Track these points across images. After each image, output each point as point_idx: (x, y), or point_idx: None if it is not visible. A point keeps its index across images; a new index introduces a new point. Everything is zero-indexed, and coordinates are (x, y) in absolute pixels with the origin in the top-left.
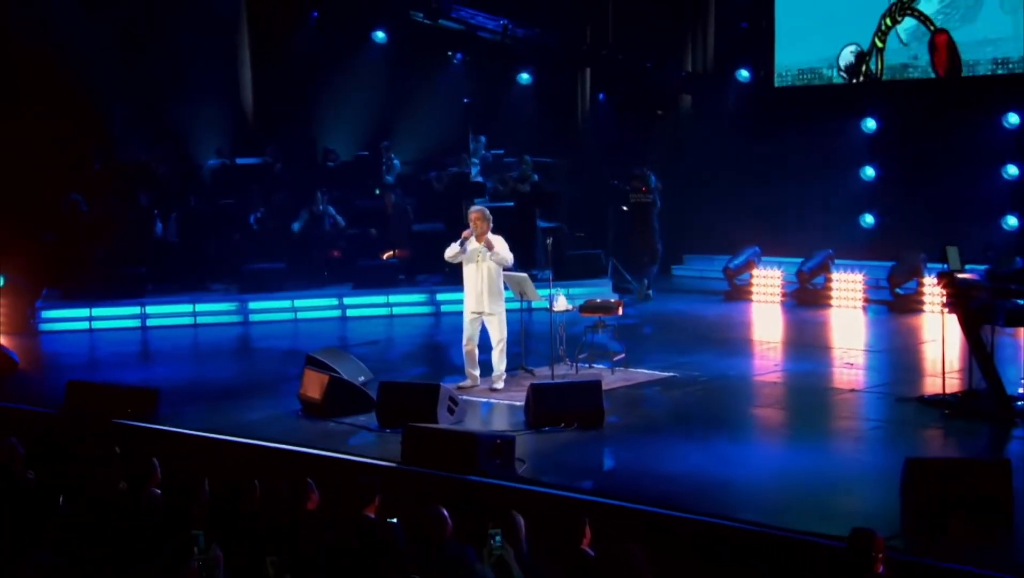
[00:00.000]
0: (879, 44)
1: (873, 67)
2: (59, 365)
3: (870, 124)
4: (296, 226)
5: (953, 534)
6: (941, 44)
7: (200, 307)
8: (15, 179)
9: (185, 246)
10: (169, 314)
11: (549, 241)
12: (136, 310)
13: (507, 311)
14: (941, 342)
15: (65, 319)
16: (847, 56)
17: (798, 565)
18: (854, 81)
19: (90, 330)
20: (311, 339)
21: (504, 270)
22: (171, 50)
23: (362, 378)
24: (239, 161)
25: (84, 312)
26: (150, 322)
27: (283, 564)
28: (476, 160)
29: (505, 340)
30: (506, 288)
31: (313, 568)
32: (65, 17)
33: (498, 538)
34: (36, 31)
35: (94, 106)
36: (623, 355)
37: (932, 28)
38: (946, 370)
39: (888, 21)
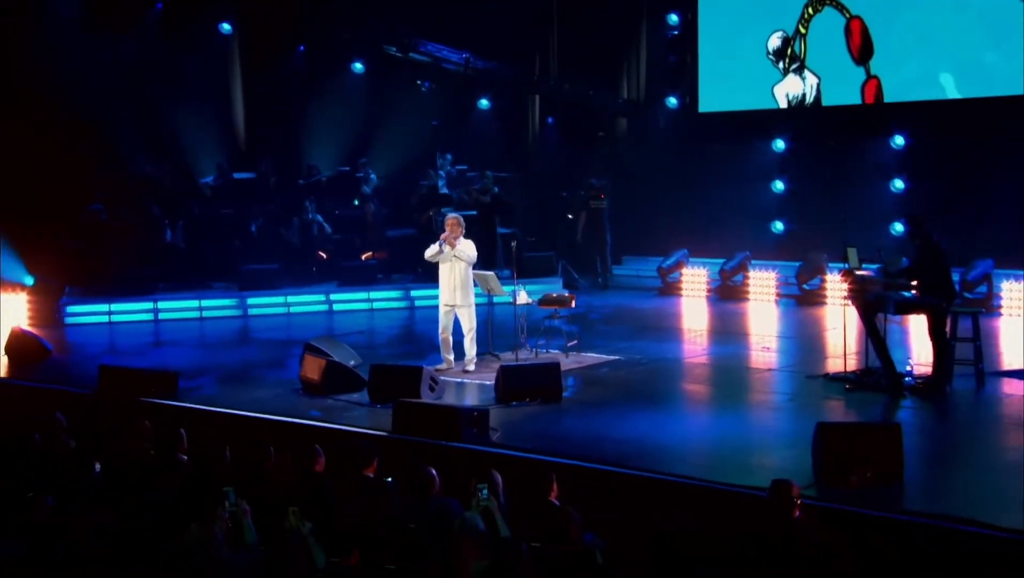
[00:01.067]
0: (803, 30)
1: (797, 50)
2: (84, 353)
3: (779, 145)
4: (289, 232)
5: (855, 484)
6: (855, 29)
7: (205, 303)
8: (42, 192)
9: (191, 250)
10: (178, 309)
11: (514, 244)
12: (149, 305)
13: (476, 304)
14: (842, 329)
15: (87, 313)
16: (775, 41)
17: (728, 512)
18: (778, 64)
19: (109, 322)
20: (303, 330)
21: (473, 269)
22: (173, 79)
23: (352, 362)
24: (236, 176)
25: (104, 307)
26: (161, 316)
27: (299, 515)
28: (443, 174)
29: (475, 329)
30: (475, 284)
31: (324, 518)
32: (80, 52)
33: (484, 491)
34: (55, 64)
35: (107, 128)
36: (575, 341)
37: (847, 15)
38: (846, 352)
39: (810, 10)
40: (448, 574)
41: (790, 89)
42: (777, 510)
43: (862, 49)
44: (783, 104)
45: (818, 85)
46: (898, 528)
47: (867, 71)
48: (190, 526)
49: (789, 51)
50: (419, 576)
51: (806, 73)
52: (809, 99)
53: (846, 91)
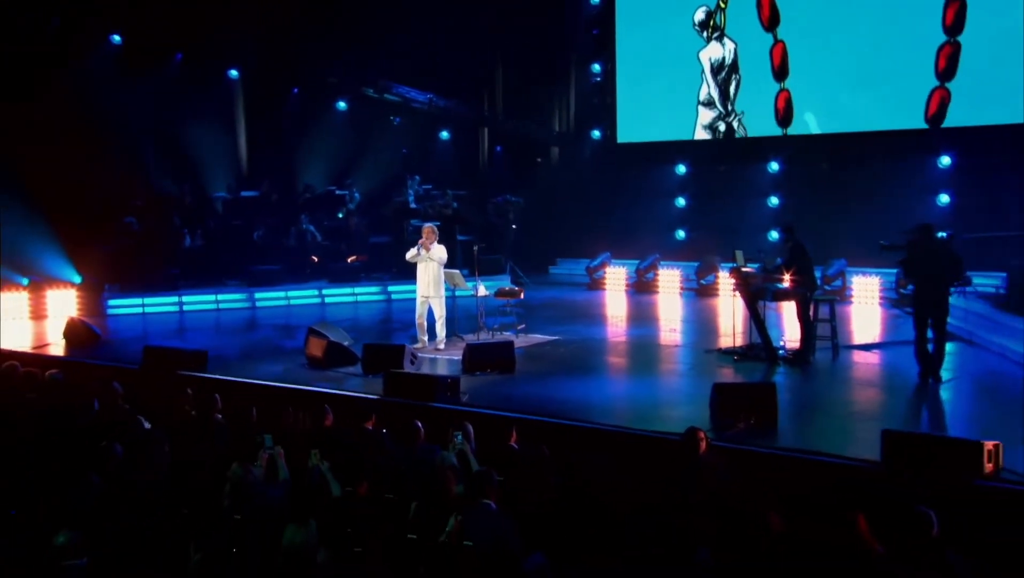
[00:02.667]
0: (723, 5)
1: (719, 21)
2: (126, 337)
3: (681, 169)
4: (287, 239)
5: (742, 429)
6: (765, 4)
7: (220, 297)
8: (86, 208)
9: (207, 253)
10: (198, 301)
11: (476, 248)
12: (175, 299)
13: (445, 296)
14: (731, 314)
15: (125, 305)
16: (700, 15)
17: (651, 454)
18: (703, 33)
19: (143, 313)
20: (301, 319)
21: (443, 268)
22: (190, 114)
23: (346, 342)
24: (243, 193)
25: (138, 300)
26: (185, 307)
27: (320, 455)
28: (412, 192)
29: (444, 316)
30: (445, 280)
31: (336, 459)
32: (116, 92)
33: (459, 437)
34: (97, 102)
35: (138, 155)
36: (523, 325)
37: None
38: (734, 331)
39: None
40: (434, 498)
41: (712, 54)
42: (688, 449)
43: (771, 19)
44: (707, 68)
45: (735, 49)
46: (774, 460)
47: (775, 36)
48: (231, 466)
49: (711, 22)
50: (412, 500)
51: (725, 40)
52: (728, 61)
53: (758, 62)
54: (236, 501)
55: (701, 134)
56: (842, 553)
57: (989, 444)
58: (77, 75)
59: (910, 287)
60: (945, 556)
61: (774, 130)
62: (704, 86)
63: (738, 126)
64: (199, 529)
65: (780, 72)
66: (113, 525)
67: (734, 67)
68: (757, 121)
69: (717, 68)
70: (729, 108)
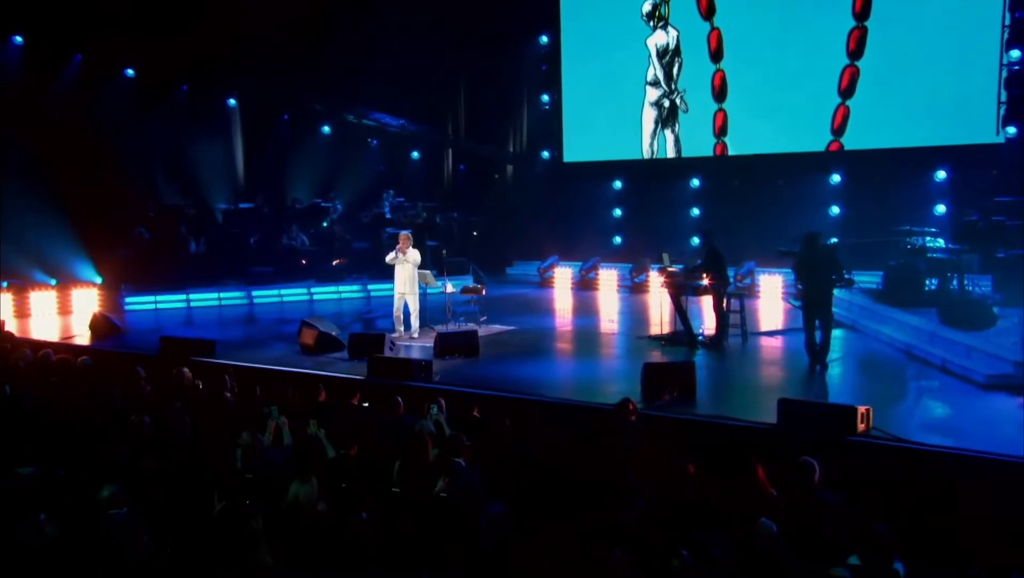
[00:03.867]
0: None
1: (663, 12)
2: (142, 329)
3: (617, 184)
4: (279, 245)
5: (666, 400)
6: None
7: (222, 295)
8: (106, 218)
9: (210, 257)
10: (203, 299)
11: (444, 252)
12: (183, 296)
13: (418, 293)
14: (659, 307)
15: (139, 302)
16: (647, 7)
17: (591, 421)
18: (649, 23)
19: (155, 309)
20: (293, 313)
21: (417, 269)
22: (194, 138)
23: (334, 332)
24: (240, 205)
25: (151, 298)
26: (192, 304)
27: (317, 424)
28: (387, 204)
29: (418, 310)
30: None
31: (330, 427)
32: (130, 120)
33: (435, 409)
34: (115, 128)
35: (148, 173)
36: (485, 317)
37: None
38: (662, 321)
39: None
40: (414, 458)
41: (658, 40)
42: (620, 417)
43: (708, 9)
44: (654, 52)
45: (678, 36)
46: (692, 425)
47: (711, 24)
48: (242, 433)
49: (657, 13)
50: (395, 460)
51: (669, 28)
52: (671, 46)
53: (698, 52)
54: (247, 463)
55: (648, 111)
56: (743, 495)
57: (862, 408)
58: (96, 104)
59: (800, 286)
60: (824, 496)
61: (707, 113)
62: (651, 68)
63: (680, 102)
64: (219, 484)
65: (716, 54)
66: (147, 482)
67: (677, 51)
68: (697, 99)
69: (662, 53)
70: (672, 87)
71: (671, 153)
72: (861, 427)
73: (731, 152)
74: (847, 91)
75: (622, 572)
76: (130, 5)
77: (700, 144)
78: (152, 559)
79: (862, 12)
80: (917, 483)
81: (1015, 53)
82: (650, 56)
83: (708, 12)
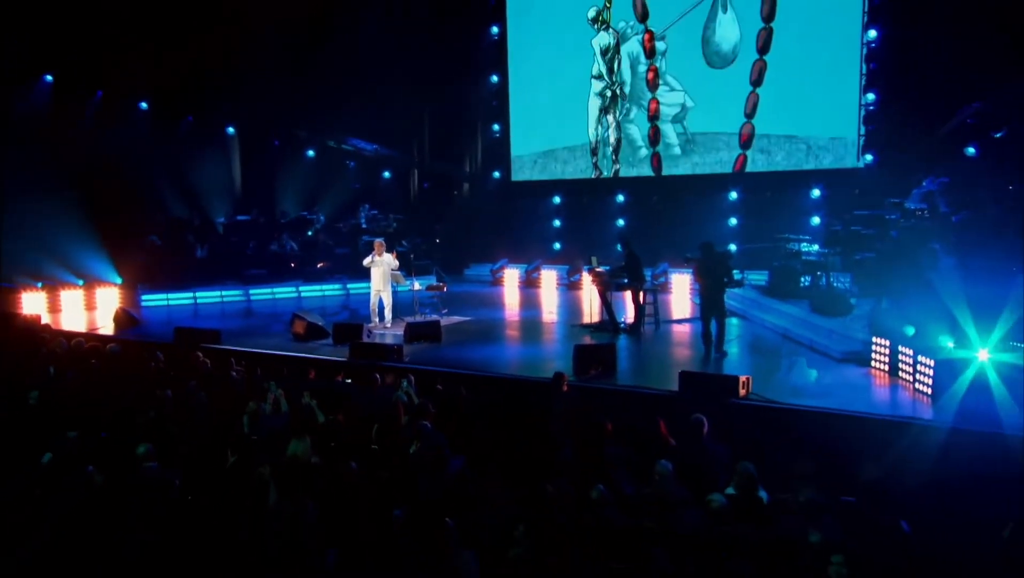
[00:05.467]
0: (608, 5)
1: (606, 16)
2: (157, 322)
3: (556, 200)
4: (271, 251)
5: (592, 375)
6: (639, 3)
7: (223, 293)
8: (124, 229)
9: (213, 262)
10: (207, 297)
11: (411, 256)
12: (190, 295)
13: (391, 290)
14: (589, 300)
15: (154, 300)
16: (591, 12)
17: (531, 393)
18: (594, 26)
19: (167, 305)
20: (284, 308)
21: (391, 270)
22: (198, 159)
23: (320, 322)
24: (237, 217)
25: (163, 296)
26: (198, 301)
27: (310, 396)
28: (363, 216)
29: (391, 304)
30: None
31: (319, 399)
32: (144, 144)
33: (405, 383)
34: (129, 151)
35: (158, 190)
36: (446, 310)
37: None
38: (591, 312)
39: None
40: (389, 422)
41: (601, 41)
42: (554, 387)
43: (643, 13)
44: (598, 51)
45: (618, 37)
46: (612, 393)
47: (646, 27)
48: (248, 403)
49: (600, 18)
50: (374, 424)
51: (610, 30)
52: (611, 47)
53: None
54: (253, 427)
55: (594, 101)
56: (637, 442)
57: (743, 378)
58: (115, 132)
59: (698, 286)
60: (709, 444)
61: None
62: (595, 65)
63: (620, 92)
64: (231, 443)
65: (650, 52)
66: (173, 441)
67: (616, 49)
68: (633, 89)
69: (604, 51)
70: (613, 79)
71: (612, 135)
72: (742, 392)
73: (650, 173)
74: (751, 113)
75: (555, 500)
76: (142, 51)
77: (637, 162)
78: (181, 499)
79: (764, 47)
80: (780, 432)
81: (870, 96)
82: (595, 54)
83: (643, 16)
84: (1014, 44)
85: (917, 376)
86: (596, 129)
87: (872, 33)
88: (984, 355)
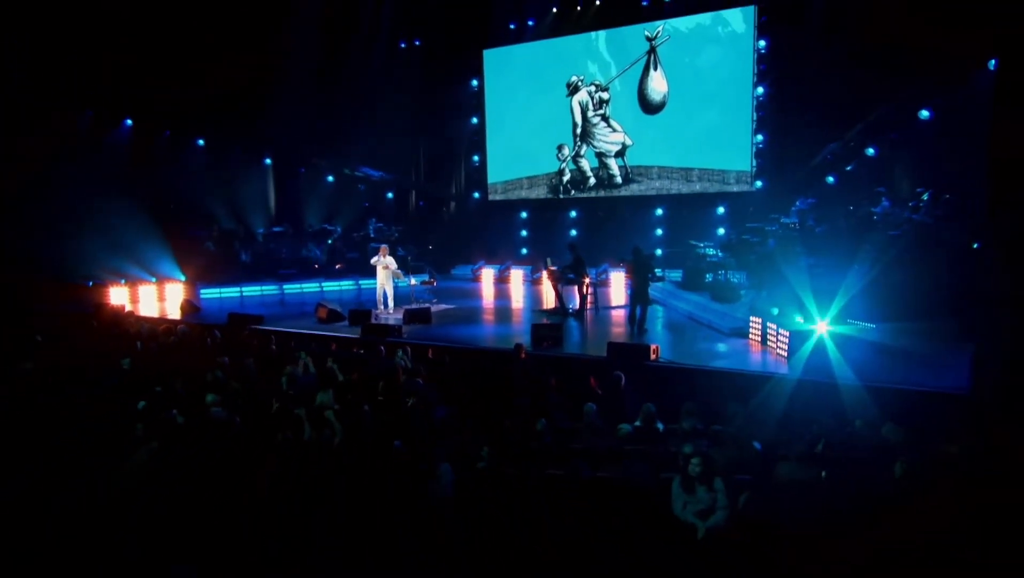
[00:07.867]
0: (582, 77)
1: (580, 85)
2: (214, 309)
3: (524, 215)
4: (300, 255)
5: (545, 346)
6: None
7: (263, 288)
8: (187, 237)
9: (254, 264)
10: (250, 291)
11: (409, 259)
12: (237, 289)
13: (393, 285)
14: (546, 292)
15: (209, 293)
16: (569, 85)
17: (497, 362)
18: (570, 91)
19: (220, 298)
20: (310, 299)
21: (393, 269)
22: (242, 182)
23: (339, 308)
24: (273, 229)
25: (217, 291)
26: (244, 294)
27: (333, 362)
28: (371, 228)
29: (393, 295)
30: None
31: (339, 364)
32: (200, 175)
33: (402, 353)
34: (180, 171)
35: (211, 207)
36: (436, 299)
37: None
38: (548, 300)
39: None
40: (390, 379)
41: (580, 98)
42: (514, 356)
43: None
44: (577, 107)
45: (589, 94)
46: (559, 359)
47: (594, 82)
48: (286, 367)
49: (575, 86)
50: (380, 381)
51: (583, 89)
52: (589, 102)
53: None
54: (289, 385)
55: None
56: (573, 392)
57: (654, 346)
58: (178, 163)
59: (628, 281)
60: (625, 392)
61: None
62: (575, 112)
63: (575, 134)
64: (274, 395)
65: (597, 103)
66: (232, 394)
67: (591, 103)
68: (584, 131)
69: (584, 107)
70: (587, 119)
71: (587, 162)
72: (653, 357)
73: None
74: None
75: (511, 430)
76: (202, 103)
77: (587, 188)
78: (240, 434)
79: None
80: (678, 385)
81: (759, 137)
82: (572, 109)
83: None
84: (857, 103)
85: (778, 343)
86: (558, 161)
87: (760, 90)
88: (823, 327)
